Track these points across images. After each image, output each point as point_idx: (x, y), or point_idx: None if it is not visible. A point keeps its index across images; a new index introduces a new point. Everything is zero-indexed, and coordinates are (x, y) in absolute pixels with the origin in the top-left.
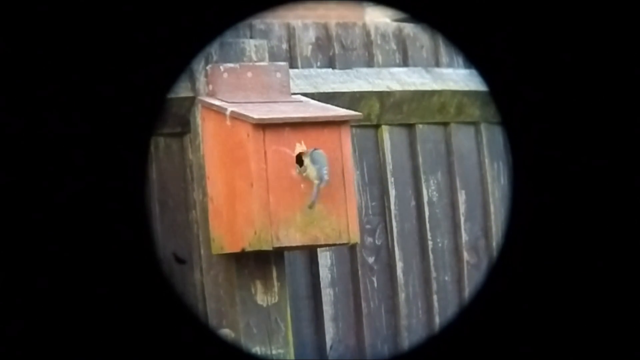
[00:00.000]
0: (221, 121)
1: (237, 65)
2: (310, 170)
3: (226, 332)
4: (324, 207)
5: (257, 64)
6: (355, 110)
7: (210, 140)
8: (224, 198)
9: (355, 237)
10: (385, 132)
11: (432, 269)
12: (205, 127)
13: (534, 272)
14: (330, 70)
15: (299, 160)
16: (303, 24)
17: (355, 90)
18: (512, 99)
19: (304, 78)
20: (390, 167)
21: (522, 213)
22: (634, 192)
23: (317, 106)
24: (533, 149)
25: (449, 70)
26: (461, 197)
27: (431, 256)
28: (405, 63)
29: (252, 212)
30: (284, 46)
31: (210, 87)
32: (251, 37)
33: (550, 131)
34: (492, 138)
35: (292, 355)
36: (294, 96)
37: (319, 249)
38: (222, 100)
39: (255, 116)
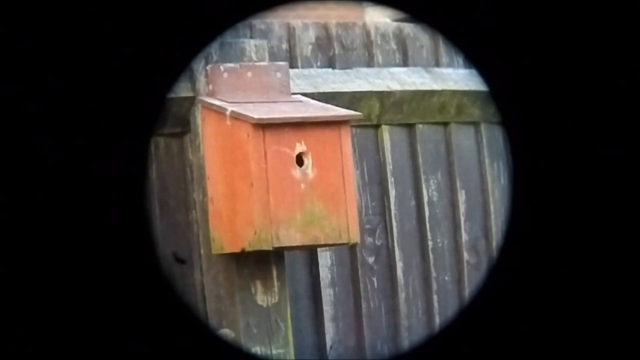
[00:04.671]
0: (221, 121)
1: (237, 65)
2: None
3: (226, 332)
4: (324, 207)
5: (257, 64)
6: (355, 110)
7: (210, 140)
8: (224, 198)
9: (355, 237)
10: (385, 132)
11: (432, 269)
12: (205, 127)
13: (534, 272)
14: (330, 70)
15: (299, 160)
16: (303, 24)
17: (355, 90)
18: (512, 99)
19: (304, 78)
20: (390, 167)
21: (522, 213)
22: (635, 192)
23: (317, 106)
24: (533, 149)
25: (449, 70)
26: (461, 197)
27: (431, 256)
28: (405, 63)
29: (252, 212)
30: (284, 46)
31: (210, 87)
32: (251, 37)
33: (550, 131)
34: (492, 138)
35: (292, 355)
36: (294, 96)
37: (319, 249)
38: (222, 100)
39: (255, 116)
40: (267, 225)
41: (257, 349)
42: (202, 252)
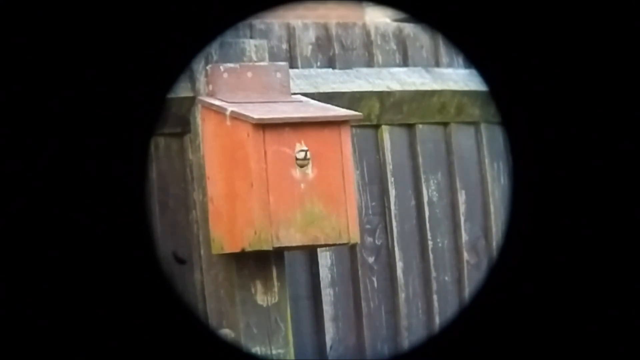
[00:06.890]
0: (221, 121)
1: (237, 65)
2: None
3: (226, 332)
4: (324, 207)
5: (257, 64)
6: (355, 110)
7: (210, 140)
8: (224, 198)
9: (355, 237)
10: (385, 132)
11: (432, 269)
12: (205, 127)
13: (534, 272)
14: (330, 70)
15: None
16: (303, 24)
17: (355, 90)
18: (512, 99)
19: (304, 78)
20: (390, 167)
21: (522, 213)
22: (634, 192)
23: (317, 106)
24: (533, 149)
25: (449, 70)
26: (461, 197)
27: (431, 256)
28: (405, 63)
29: (252, 212)
30: (284, 46)
31: (210, 87)
32: (251, 37)
33: (550, 131)
34: (492, 138)
35: (292, 355)
36: (294, 96)
37: (319, 249)
38: (222, 100)
39: (255, 116)
40: (267, 226)
41: (257, 349)
42: (202, 252)
